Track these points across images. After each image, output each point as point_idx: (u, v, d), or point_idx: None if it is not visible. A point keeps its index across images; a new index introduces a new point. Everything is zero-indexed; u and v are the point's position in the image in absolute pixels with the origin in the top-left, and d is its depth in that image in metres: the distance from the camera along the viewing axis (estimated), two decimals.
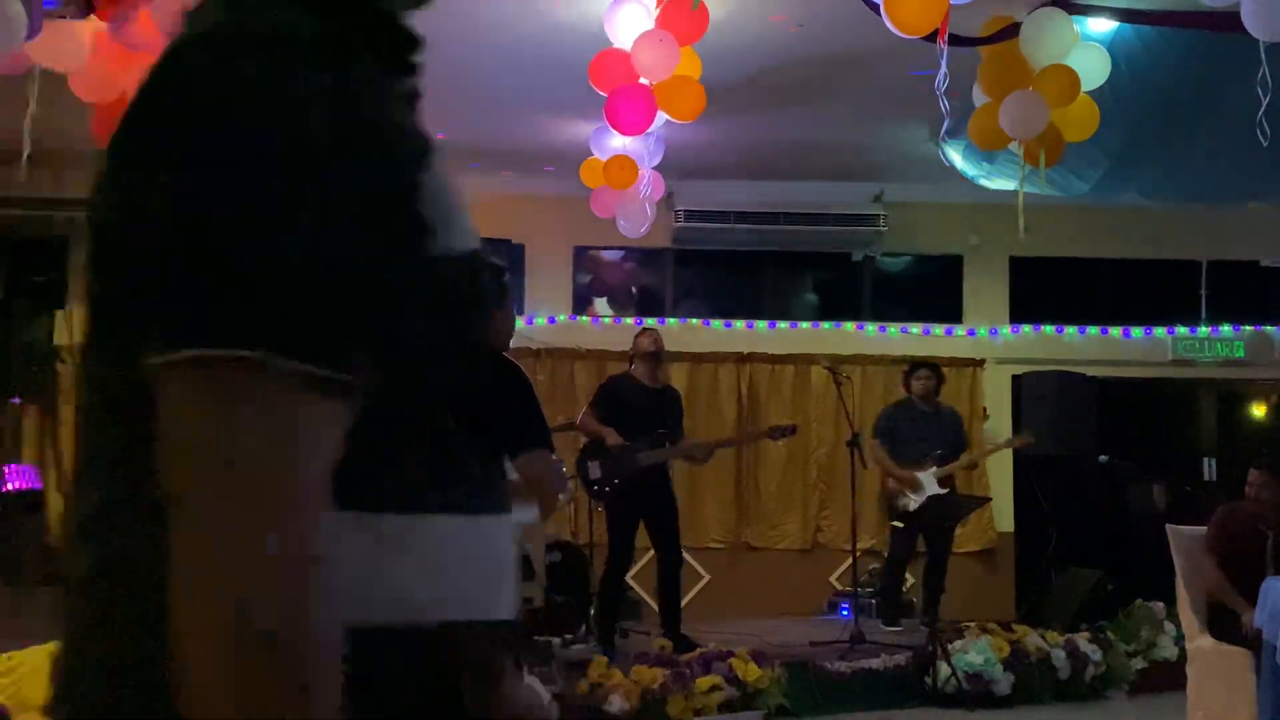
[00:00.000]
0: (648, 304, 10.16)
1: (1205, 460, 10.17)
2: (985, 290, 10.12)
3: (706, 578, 9.55)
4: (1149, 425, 10.13)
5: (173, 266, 0.80)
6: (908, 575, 8.99)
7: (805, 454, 9.78)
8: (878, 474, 8.19)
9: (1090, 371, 9.21)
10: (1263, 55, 4.41)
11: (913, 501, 7.81)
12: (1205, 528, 5.77)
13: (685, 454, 7.19)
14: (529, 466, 3.50)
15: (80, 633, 0.90)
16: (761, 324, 9.99)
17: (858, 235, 9.54)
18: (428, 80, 1.04)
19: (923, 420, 8.00)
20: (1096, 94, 5.81)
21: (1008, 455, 9.80)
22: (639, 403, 6.93)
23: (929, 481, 7.82)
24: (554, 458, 3.94)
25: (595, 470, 6.82)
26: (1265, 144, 4.62)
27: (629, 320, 9.34)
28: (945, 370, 9.88)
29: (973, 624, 7.11)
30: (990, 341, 10.04)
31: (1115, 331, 10.08)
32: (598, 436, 6.89)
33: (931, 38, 4.81)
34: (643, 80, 5.73)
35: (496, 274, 3.76)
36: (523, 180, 9.56)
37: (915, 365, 8.30)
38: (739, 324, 9.99)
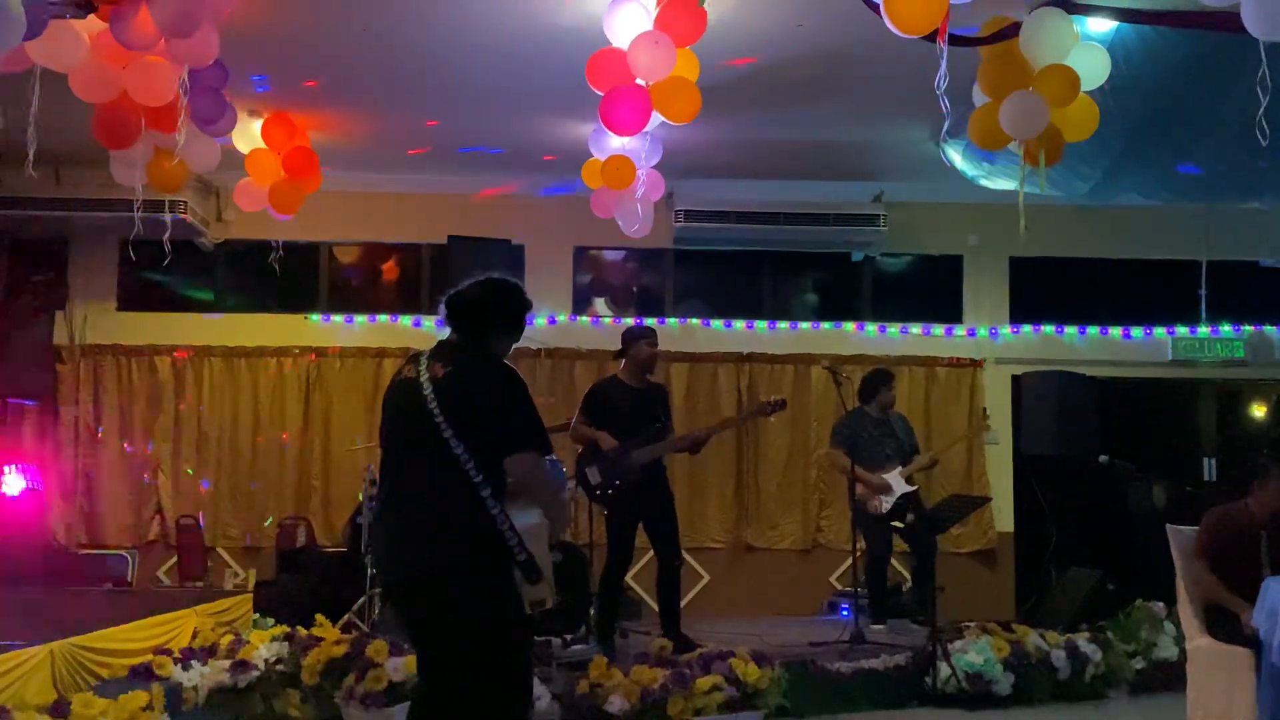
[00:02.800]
0: (648, 304, 10.15)
1: (1205, 460, 10.17)
2: (985, 290, 10.12)
3: (706, 578, 9.56)
4: (1149, 425, 10.12)
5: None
6: (905, 574, 8.99)
7: (805, 454, 9.79)
8: (843, 482, 8.24)
9: (1090, 371, 9.20)
10: (1263, 55, 4.40)
11: (885, 503, 7.87)
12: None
13: (679, 446, 7.18)
14: (515, 468, 3.67)
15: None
16: (761, 324, 9.99)
17: (858, 235, 9.54)
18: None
19: (878, 426, 8.08)
20: (1096, 94, 5.80)
21: (1007, 455, 9.81)
22: (628, 404, 6.91)
23: (897, 482, 7.93)
24: (549, 457, 3.95)
25: (594, 475, 6.80)
26: (1265, 144, 4.61)
27: (629, 320, 9.34)
28: (945, 370, 9.93)
29: (973, 624, 7.11)
30: (990, 341, 10.05)
31: (1115, 331, 10.08)
32: (591, 441, 6.88)
33: (931, 38, 4.81)
34: (639, 81, 5.71)
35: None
36: (523, 180, 9.57)
37: (881, 376, 8.29)
38: (739, 324, 9.99)
